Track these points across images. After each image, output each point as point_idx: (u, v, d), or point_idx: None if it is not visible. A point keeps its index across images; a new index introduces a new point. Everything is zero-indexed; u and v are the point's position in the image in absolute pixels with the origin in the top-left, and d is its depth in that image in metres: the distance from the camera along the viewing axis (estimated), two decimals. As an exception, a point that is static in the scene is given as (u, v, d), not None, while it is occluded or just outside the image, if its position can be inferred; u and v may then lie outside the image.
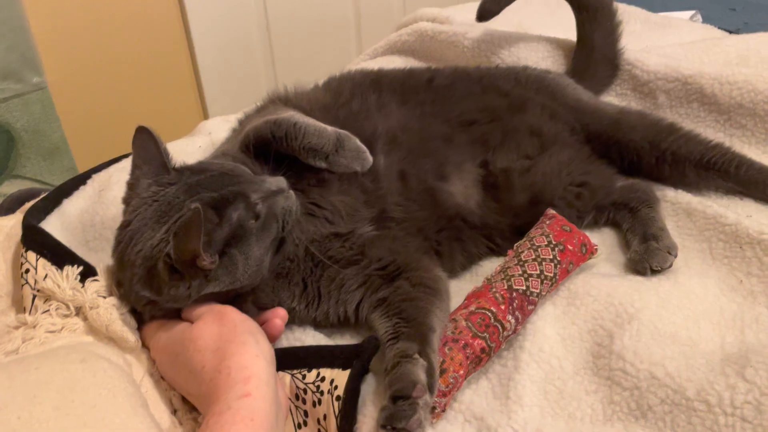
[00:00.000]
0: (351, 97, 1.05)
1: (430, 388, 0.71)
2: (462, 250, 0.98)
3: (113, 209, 0.97)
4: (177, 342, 0.74)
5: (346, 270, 0.87)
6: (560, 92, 1.14)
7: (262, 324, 0.80)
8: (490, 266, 0.98)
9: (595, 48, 1.28)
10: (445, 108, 1.06)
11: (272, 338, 0.81)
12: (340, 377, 0.74)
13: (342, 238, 0.89)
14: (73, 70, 2.03)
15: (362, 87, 1.07)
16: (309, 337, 0.86)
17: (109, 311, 0.78)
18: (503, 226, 0.99)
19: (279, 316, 0.82)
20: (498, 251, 0.99)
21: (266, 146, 0.90)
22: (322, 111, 1.00)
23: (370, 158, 0.92)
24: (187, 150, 1.19)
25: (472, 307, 0.81)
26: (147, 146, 0.81)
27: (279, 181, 0.82)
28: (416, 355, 0.73)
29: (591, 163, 1.08)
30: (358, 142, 0.92)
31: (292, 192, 0.83)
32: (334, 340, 0.88)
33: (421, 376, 0.71)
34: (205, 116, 2.37)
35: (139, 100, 2.20)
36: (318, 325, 0.89)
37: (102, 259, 0.86)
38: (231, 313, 0.74)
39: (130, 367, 0.75)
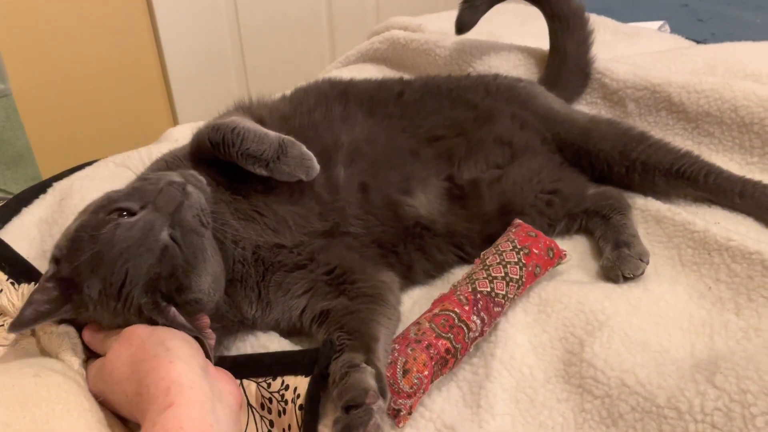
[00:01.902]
0: (314, 107, 1.03)
1: (382, 393, 0.70)
2: (425, 256, 0.97)
3: (73, 218, 0.94)
4: (99, 381, 0.71)
5: (293, 273, 0.86)
6: (531, 101, 1.15)
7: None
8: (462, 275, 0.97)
9: (567, 57, 1.29)
10: (414, 122, 1.05)
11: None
12: (302, 384, 0.73)
13: (287, 249, 0.87)
14: (38, 76, 1.99)
15: (328, 97, 1.05)
16: (275, 344, 0.85)
17: (61, 338, 0.75)
18: (473, 234, 0.98)
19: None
20: (469, 260, 0.99)
21: (209, 152, 0.87)
22: (280, 121, 0.98)
23: (317, 166, 0.87)
24: (153, 156, 1.16)
25: (436, 310, 0.81)
26: None
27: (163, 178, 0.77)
28: (363, 364, 0.72)
29: (562, 171, 1.08)
30: (303, 148, 0.87)
31: (191, 188, 0.77)
32: (302, 345, 0.86)
33: (372, 383, 0.70)
34: (176, 124, 2.33)
35: (106, 107, 2.16)
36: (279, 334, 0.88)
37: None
38: (137, 330, 0.70)
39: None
